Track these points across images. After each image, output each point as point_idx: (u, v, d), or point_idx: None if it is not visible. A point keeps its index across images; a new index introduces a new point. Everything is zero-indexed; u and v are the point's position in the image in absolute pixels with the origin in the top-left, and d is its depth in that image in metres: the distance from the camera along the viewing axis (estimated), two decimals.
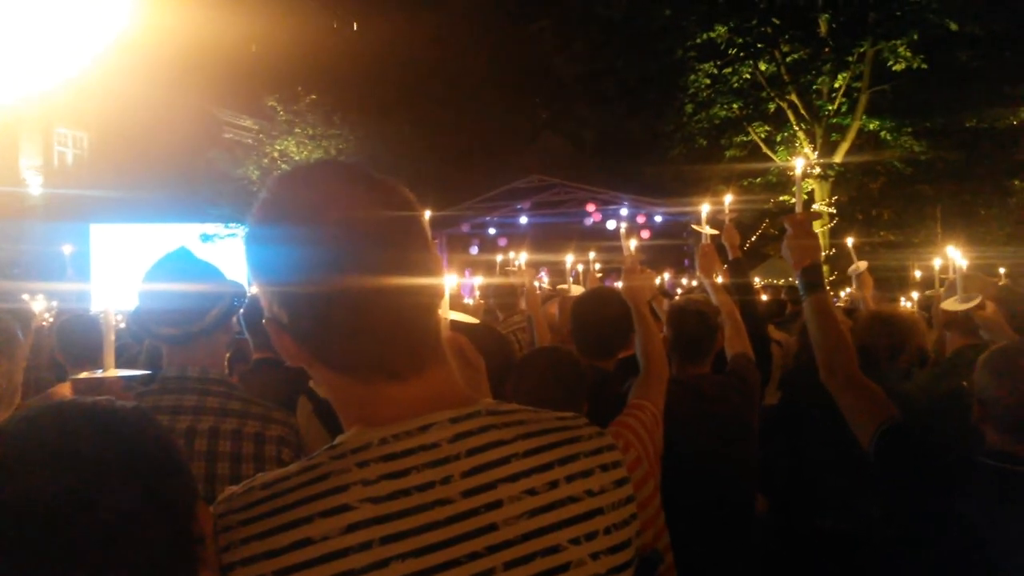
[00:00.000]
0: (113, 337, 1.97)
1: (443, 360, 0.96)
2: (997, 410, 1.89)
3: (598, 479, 0.94)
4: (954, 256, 3.22)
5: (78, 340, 3.35)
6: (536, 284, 4.16)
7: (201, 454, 1.78)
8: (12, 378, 2.12)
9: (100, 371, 1.92)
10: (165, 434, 0.85)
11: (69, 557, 0.72)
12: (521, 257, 5.39)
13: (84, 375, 1.99)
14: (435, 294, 0.95)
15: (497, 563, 0.86)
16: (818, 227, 16.81)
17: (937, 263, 3.84)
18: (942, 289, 3.91)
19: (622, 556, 0.93)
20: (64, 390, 3.12)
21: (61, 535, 0.72)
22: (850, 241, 5.03)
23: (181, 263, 1.93)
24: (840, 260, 18.28)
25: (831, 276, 17.27)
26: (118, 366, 1.80)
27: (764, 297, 7.75)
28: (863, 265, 4.65)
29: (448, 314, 1.47)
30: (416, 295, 0.91)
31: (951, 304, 3.06)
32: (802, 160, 2.78)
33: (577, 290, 4.12)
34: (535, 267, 5.29)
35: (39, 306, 6.94)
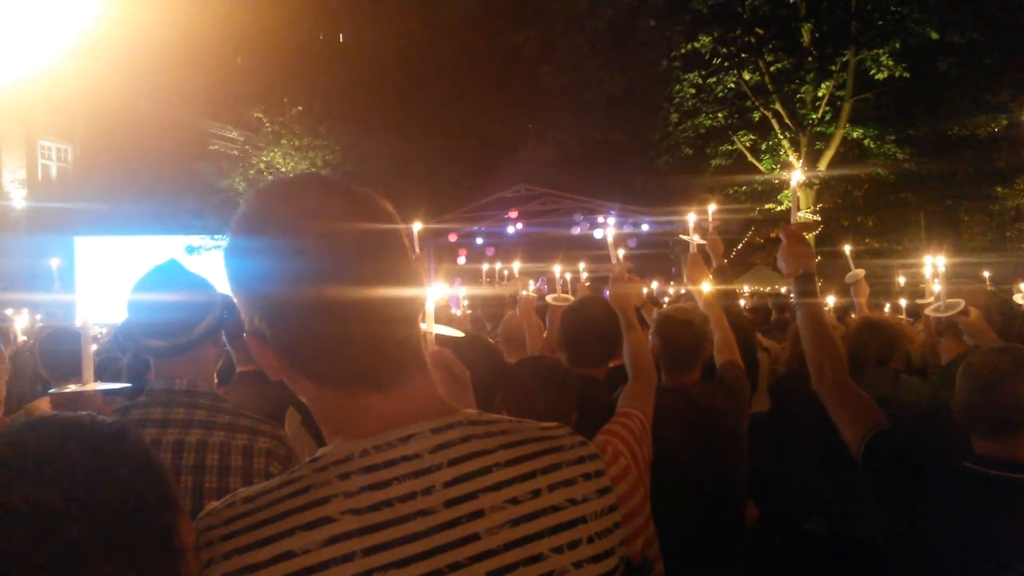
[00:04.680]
0: (91, 350, 1.95)
1: (424, 371, 0.96)
2: (974, 415, 1.92)
3: (581, 488, 0.94)
4: (937, 263, 3.25)
5: (59, 353, 3.31)
6: (524, 293, 4.16)
7: (189, 468, 1.75)
8: None
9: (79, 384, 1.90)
10: (146, 448, 0.84)
11: (47, 572, 0.71)
12: (514, 266, 5.39)
13: (69, 388, 1.97)
14: (415, 305, 0.95)
15: (480, 572, 0.86)
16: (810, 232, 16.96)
17: (927, 272, 3.87)
18: (931, 297, 3.93)
19: (606, 565, 0.93)
20: (43, 404, 3.10)
21: (39, 550, 0.71)
22: (847, 249, 5.07)
23: (170, 275, 1.91)
24: (827, 267, 18.43)
25: (818, 283, 17.35)
26: (104, 379, 1.78)
27: (744, 303, 7.78)
28: (860, 273, 4.69)
29: (433, 328, 1.46)
30: (396, 306, 0.91)
31: (934, 311, 3.08)
32: (799, 172, 2.81)
33: (567, 299, 4.11)
34: (527, 276, 5.29)
35: (23, 321, 6.86)
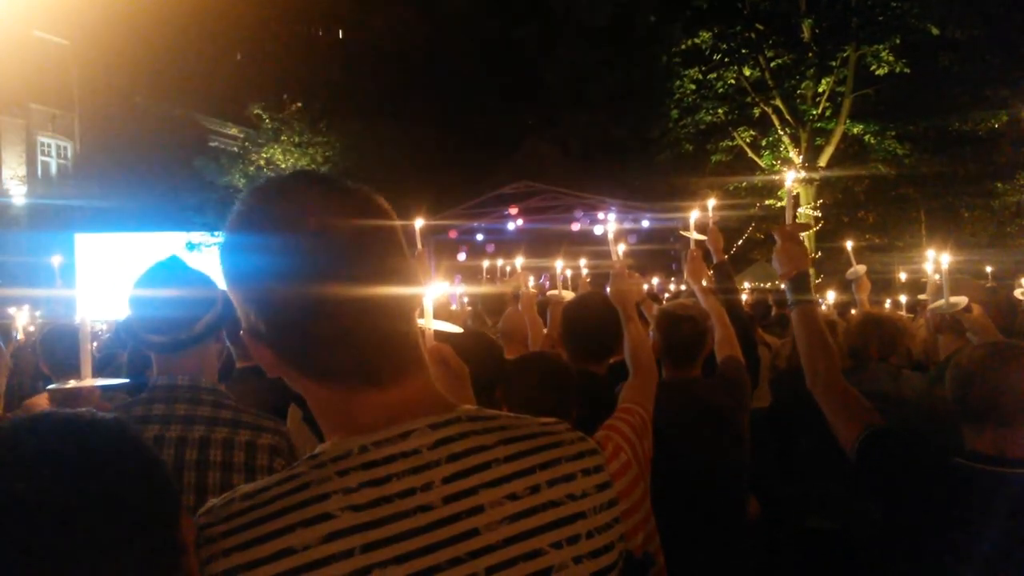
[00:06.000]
0: (90, 346, 1.95)
1: (422, 366, 0.96)
2: (959, 408, 1.94)
3: (580, 483, 0.94)
4: (941, 260, 3.24)
5: (61, 350, 3.30)
6: (524, 289, 4.15)
7: (191, 464, 1.75)
8: None
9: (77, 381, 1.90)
10: (144, 445, 0.84)
11: (47, 569, 0.71)
12: (517, 262, 5.38)
13: (69, 384, 1.98)
14: (412, 301, 0.95)
15: (479, 568, 0.86)
16: (806, 232, 16.91)
17: (929, 267, 3.87)
18: (930, 293, 3.92)
19: (605, 559, 0.93)
20: (42, 400, 3.10)
21: (38, 547, 0.71)
22: (849, 245, 5.06)
23: (172, 271, 1.91)
24: (827, 263, 18.43)
25: (817, 279, 17.40)
26: (105, 375, 1.78)
27: (745, 298, 7.80)
28: (862, 269, 4.68)
29: (432, 324, 1.46)
30: (392, 302, 0.91)
31: (937, 307, 3.07)
32: (793, 173, 2.80)
33: (568, 296, 4.11)
34: (528, 272, 5.28)
35: (23, 318, 6.86)
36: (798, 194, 19.11)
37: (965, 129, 19.71)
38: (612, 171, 25.08)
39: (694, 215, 3.81)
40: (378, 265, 0.91)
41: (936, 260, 3.57)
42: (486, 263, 8.64)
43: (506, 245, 17.49)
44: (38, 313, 8.99)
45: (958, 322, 3.10)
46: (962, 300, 2.97)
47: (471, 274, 14.22)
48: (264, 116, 19.91)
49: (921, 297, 5.01)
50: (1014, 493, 1.78)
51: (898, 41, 17.91)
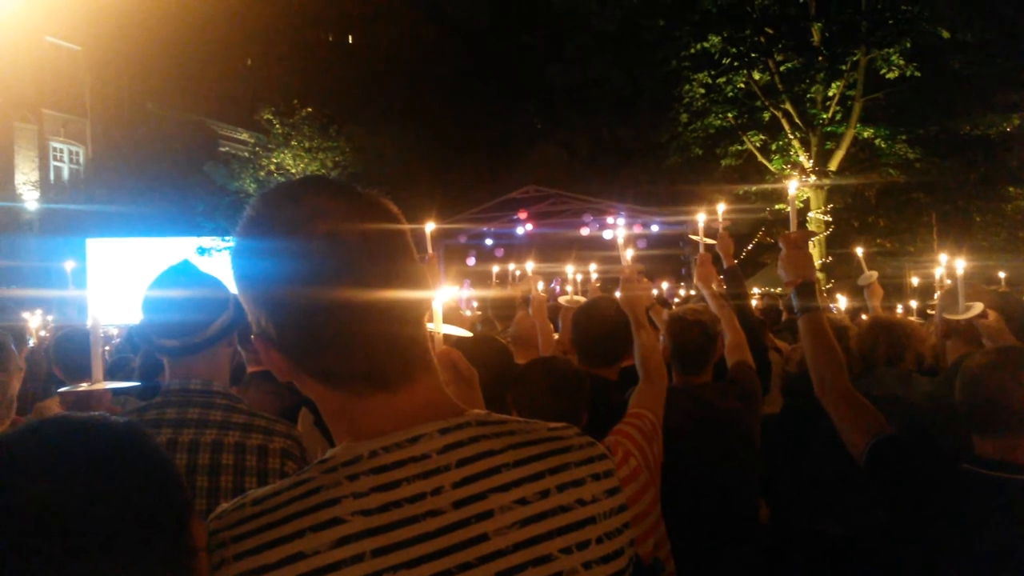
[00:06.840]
0: (101, 350, 1.97)
1: (431, 371, 0.96)
2: (966, 413, 1.93)
3: (590, 488, 0.94)
4: (956, 265, 3.22)
5: (74, 354, 3.33)
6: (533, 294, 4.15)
7: (204, 467, 1.76)
8: (7, 390, 2.11)
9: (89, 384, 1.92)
10: (156, 448, 0.84)
11: (57, 572, 0.71)
12: (528, 266, 5.39)
13: (81, 387, 1.99)
14: (421, 305, 0.95)
15: (489, 573, 0.86)
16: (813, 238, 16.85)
17: (939, 272, 3.83)
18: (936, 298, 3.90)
19: (615, 565, 0.93)
20: (53, 404, 3.12)
21: (48, 550, 0.71)
22: (859, 251, 5.01)
23: (184, 275, 1.92)
24: (838, 267, 18.35)
25: (828, 284, 17.33)
26: (118, 379, 1.79)
27: (755, 303, 7.77)
28: (873, 275, 4.65)
29: (442, 328, 1.46)
30: (402, 306, 0.92)
31: (953, 313, 3.05)
32: (796, 182, 2.81)
33: (581, 301, 4.11)
34: (539, 276, 5.26)
35: (36, 322, 6.91)
36: (808, 198, 19.05)
37: (976, 133, 19.59)
38: (621, 175, 25.10)
39: (702, 218, 3.80)
40: (387, 269, 0.91)
41: (949, 265, 3.55)
42: (496, 268, 8.65)
43: (515, 249, 17.50)
44: (50, 317, 9.05)
45: (969, 327, 3.07)
46: (978, 306, 2.95)
47: (480, 278, 14.23)
48: (274, 121, 20.03)
49: (931, 305, 4.98)
50: (1018, 499, 1.77)
51: (908, 44, 17.84)
